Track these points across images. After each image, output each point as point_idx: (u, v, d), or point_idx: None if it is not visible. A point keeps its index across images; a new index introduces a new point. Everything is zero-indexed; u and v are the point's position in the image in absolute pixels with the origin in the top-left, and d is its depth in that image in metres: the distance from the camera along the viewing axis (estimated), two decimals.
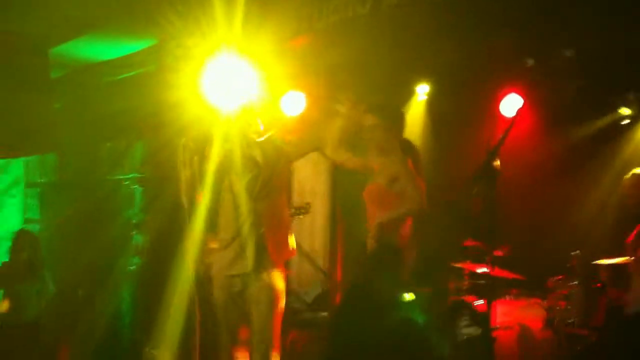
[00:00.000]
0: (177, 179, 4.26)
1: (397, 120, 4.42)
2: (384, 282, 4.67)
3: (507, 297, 5.51)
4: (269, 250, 4.10)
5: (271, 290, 4.06)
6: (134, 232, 7.53)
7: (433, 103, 6.44)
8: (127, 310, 7.50)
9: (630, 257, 4.54)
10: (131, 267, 7.49)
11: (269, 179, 4.15)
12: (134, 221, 7.58)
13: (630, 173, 4.94)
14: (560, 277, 5.19)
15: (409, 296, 4.49)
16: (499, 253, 5.11)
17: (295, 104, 6.40)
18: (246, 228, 4.13)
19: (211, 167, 4.25)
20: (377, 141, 4.34)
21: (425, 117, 6.51)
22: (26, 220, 8.92)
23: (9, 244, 8.39)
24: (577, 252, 5.13)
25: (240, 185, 4.21)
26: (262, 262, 4.08)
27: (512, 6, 4.44)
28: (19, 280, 6.47)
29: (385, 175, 4.33)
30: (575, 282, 5.02)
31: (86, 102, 7.95)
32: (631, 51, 4.65)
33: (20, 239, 6.81)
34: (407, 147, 4.47)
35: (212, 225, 4.53)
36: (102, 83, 7.87)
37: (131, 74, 7.51)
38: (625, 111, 5.53)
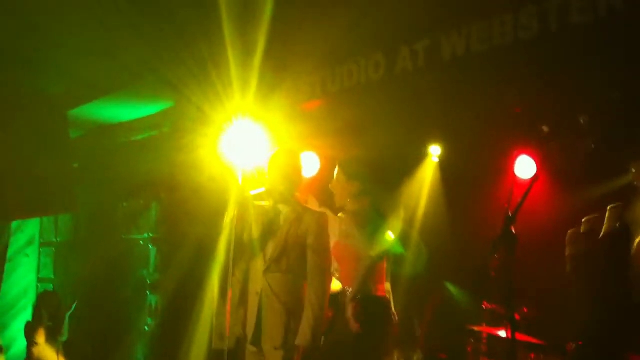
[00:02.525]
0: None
1: None
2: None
3: None
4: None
5: None
6: (148, 292, 7.52)
7: (446, 164, 6.46)
8: None
9: None
10: (145, 328, 7.45)
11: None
12: (148, 281, 7.57)
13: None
14: (581, 342, 5.10)
15: None
16: (517, 317, 5.05)
17: (310, 165, 6.45)
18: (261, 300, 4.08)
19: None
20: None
21: (437, 178, 6.52)
22: (40, 280, 8.96)
23: (23, 302, 8.52)
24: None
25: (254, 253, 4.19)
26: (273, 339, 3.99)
27: (524, 73, 4.49)
28: (43, 339, 6.51)
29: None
30: None
31: (103, 162, 8.05)
32: None
33: (45, 299, 7.01)
34: None
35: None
36: (119, 144, 7.98)
37: (148, 135, 7.62)
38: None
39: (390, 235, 4.64)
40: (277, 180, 4.18)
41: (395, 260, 5.04)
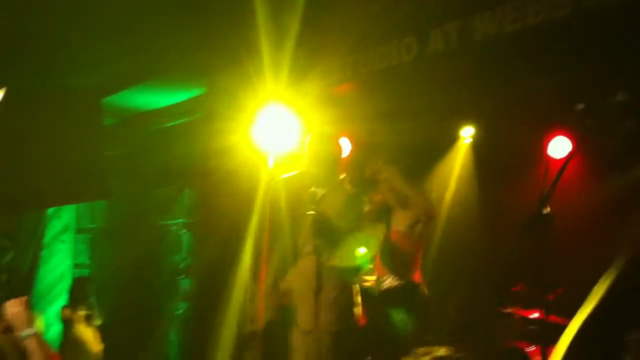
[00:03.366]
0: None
1: None
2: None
3: None
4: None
5: None
6: (181, 277, 7.61)
7: (478, 146, 6.42)
8: (174, 354, 7.54)
9: None
10: (179, 312, 7.54)
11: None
12: (181, 266, 7.66)
13: None
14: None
15: None
16: (550, 297, 5.02)
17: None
18: None
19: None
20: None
21: (470, 160, 6.49)
22: (76, 266, 9.09)
23: (59, 287, 8.66)
24: None
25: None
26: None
27: (559, 50, 4.44)
28: (80, 322, 6.64)
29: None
30: None
31: (137, 149, 8.13)
32: None
33: (81, 285, 7.13)
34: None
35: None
36: (152, 131, 8.06)
37: (180, 121, 7.68)
38: None
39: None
40: (314, 164, 4.17)
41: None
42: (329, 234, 4.02)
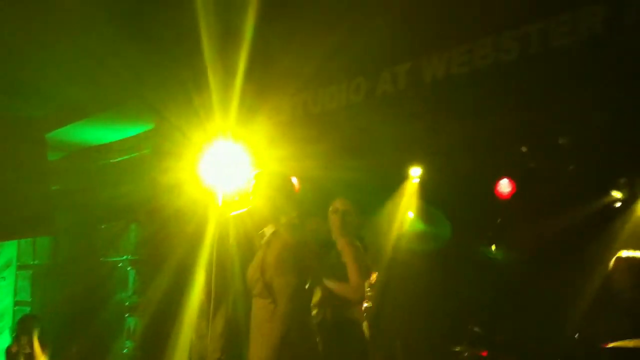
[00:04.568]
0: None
1: None
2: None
3: None
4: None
5: None
6: (127, 315, 7.44)
7: (427, 185, 6.49)
8: None
9: None
10: (124, 351, 7.36)
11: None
12: (127, 304, 7.49)
13: (614, 257, 4.99)
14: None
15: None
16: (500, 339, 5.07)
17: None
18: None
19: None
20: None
21: (419, 198, 6.56)
22: (17, 303, 8.83)
23: (0, 324, 8.38)
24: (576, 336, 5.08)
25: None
26: None
27: (505, 93, 4.52)
28: None
29: None
30: None
31: (82, 185, 7.98)
32: (623, 137, 4.74)
33: (25, 323, 6.94)
34: None
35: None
36: (99, 166, 7.92)
37: (127, 157, 7.57)
38: (617, 194, 5.60)
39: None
40: (262, 202, 4.11)
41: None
42: None
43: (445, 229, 6.01)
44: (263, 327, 3.83)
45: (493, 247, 3.15)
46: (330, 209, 4.93)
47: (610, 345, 4.60)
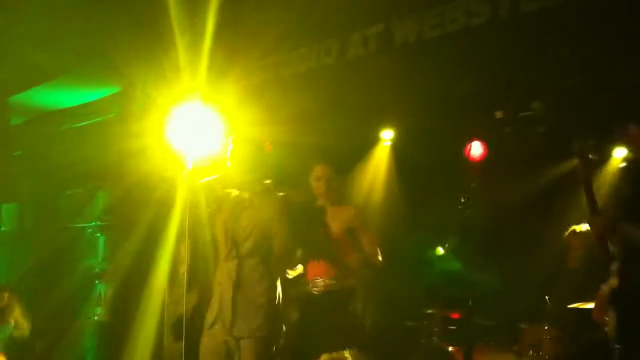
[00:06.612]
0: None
1: None
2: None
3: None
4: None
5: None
6: (96, 281, 7.38)
7: (398, 149, 6.49)
8: None
9: None
10: (94, 317, 7.32)
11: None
12: (96, 270, 7.43)
13: (569, 230, 5.07)
14: (530, 323, 5.19)
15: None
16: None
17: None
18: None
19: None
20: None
21: (389, 162, 6.56)
22: None
23: None
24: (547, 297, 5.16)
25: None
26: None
27: (476, 58, 4.52)
28: None
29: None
30: (546, 328, 5.02)
31: (47, 150, 7.84)
32: (592, 98, 4.78)
33: None
34: None
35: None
36: (63, 131, 7.79)
37: (93, 121, 7.44)
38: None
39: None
40: (240, 169, 4.11)
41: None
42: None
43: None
44: (256, 288, 3.90)
45: (466, 211, 3.17)
46: (313, 175, 4.93)
47: (573, 305, 4.71)
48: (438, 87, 4.87)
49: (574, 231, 5.11)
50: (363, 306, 5.02)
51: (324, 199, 4.92)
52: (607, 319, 3.72)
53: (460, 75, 4.68)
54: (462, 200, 3.41)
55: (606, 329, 3.74)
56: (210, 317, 4.03)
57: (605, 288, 3.75)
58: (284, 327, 4.12)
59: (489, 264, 5.58)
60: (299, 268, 4.87)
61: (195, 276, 5.32)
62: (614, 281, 3.51)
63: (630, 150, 4.04)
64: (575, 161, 4.06)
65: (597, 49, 4.12)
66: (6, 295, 6.73)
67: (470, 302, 5.03)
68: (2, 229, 8.71)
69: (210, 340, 4.01)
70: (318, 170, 4.94)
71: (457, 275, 5.61)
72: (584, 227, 4.96)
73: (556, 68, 4.29)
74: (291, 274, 4.85)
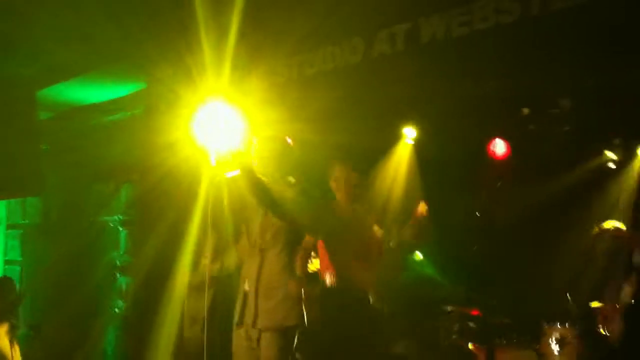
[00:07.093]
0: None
1: None
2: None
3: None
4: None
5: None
6: (118, 275, 7.45)
7: (422, 147, 6.49)
8: (112, 354, 7.39)
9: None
10: (116, 310, 7.39)
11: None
12: (118, 263, 7.50)
13: (596, 229, 5.05)
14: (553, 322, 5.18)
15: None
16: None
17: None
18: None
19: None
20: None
21: (412, 161, 6.56)
22: (7, 262, 8.81)
23: None
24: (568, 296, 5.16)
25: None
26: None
27: (504, 56, 4.51)
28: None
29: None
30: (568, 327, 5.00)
31: (73, 144, 7.90)
32: (619, 97, 4.76)
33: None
34: None
35: None
36: (90, 126, 7.84)
37: (119, 116, 7.49)
38: (611, 155, 5.63)
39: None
40: (265, 166, 4.15)
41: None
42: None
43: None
44: (280, 277, 3.96)
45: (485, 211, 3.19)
46: (331, 176, 4.96)
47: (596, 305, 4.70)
48: (465, 85, 4.87)
49: (600, 229, 5.08)
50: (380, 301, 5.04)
51: (344, 199, 4.94)
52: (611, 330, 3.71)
53: (487, 74, 4.67)
54: (477, 215, 3.43)
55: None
56: (237, 312, 4.08)
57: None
58: (305, 320, 4.16)
59: (458, 272, 5.63)
60: (316, 262, 4.90)
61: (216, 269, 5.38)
62: (629, 290, 3.50)
63: None
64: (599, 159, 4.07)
65: (626, 48, 4.11)
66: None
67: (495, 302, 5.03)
68: (26, 221, 8.82)
69: (238, 338, 4.05)
70: (336, 171, 4.97)
71: (427, 279, 5.65)
72: (611, 223, 4.94)
73: (584, 66, 4.28)
74: (311, 268, 4.88)
